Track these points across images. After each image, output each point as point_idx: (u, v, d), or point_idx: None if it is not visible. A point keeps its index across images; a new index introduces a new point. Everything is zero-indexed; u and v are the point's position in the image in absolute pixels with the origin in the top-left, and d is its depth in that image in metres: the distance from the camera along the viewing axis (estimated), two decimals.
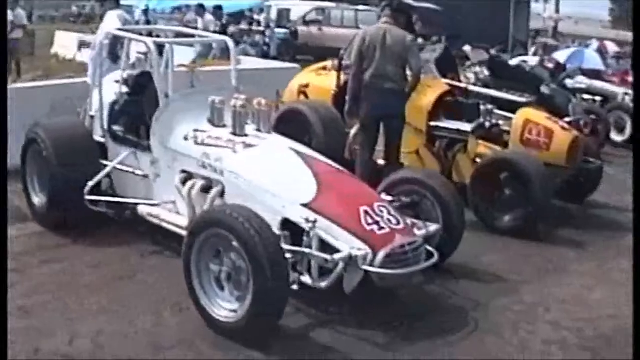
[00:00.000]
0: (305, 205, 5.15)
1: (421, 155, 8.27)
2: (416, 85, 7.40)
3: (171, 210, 6.10)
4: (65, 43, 21.21)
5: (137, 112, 6.78)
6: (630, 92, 13.13)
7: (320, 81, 9.26)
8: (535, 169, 7.08)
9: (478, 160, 7.82)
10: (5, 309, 4.31)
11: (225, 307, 4.85)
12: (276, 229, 5.06)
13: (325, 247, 4.96)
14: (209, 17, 16.31)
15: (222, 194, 5.66)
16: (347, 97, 7.39)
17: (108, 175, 6.67)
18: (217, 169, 5.70)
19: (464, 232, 5.99)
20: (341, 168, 5.75)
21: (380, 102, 7.16)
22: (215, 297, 4.91)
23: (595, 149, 8.73)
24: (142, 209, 6.28)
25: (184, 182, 5.91)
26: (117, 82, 7.08)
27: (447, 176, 7.94)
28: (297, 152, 5.72)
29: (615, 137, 12.56)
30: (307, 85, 9.28)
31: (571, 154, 7.67)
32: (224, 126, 6.07)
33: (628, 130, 12.47)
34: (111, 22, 8.58)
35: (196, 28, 17.00)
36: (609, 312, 5.65)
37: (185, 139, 6.01)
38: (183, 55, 14.36)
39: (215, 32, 16.25)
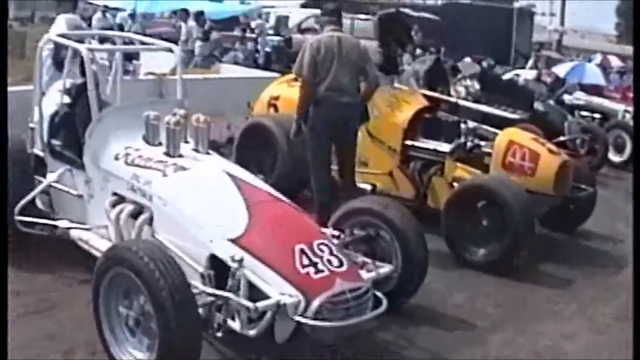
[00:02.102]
0: (232, 241, 4.45)
1: (394, 177, 7.55)
2: (371, 95, 6.80)
3: (103, 236, 5.42)
4: None
5: (77, 125, 6.09)
6: (631, 109, 12.38)
7: (291, 93, 8.46)
8: (515, 198, 6.31)
9: (456, 184, 7.07)
10: (5, 309, 3.93)
11: (135, 356, 4.29)
12: (202, 267, 4.46)
13: (255, 290, 4.27)
14: (191, 22, 15.71)
15: (151, 221, 4.99)
16: (295, 115, 6.63)
17: (47, 194, 6.06)
18: (145, 193, 5.03)
19: (426, 272, 5.25)
20: (281, 197, 5.01)
21: (336, 117, 6.44)
22: (126, 343, 4.33)
23: (588, 173, 7.94)
24: (74, 233, 5.64)
25: (114, 206, 5.26)
26: (60, 91, 6.41)
27: (421, 201, 7.28)
28: (232, 177, 4.99)
29: (614, 157, 11.74)
30: (277, 98, 8.57)
31: (559, 180, 6.92)
32: (160, 144, 5.40)
33: (627, 150, 11.65)
34: (58, 26, 7.89)
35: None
36: None
37: (117, 158, 5.37)
38: (164, 62, 13.82)
39: (197, 38, 15.74)
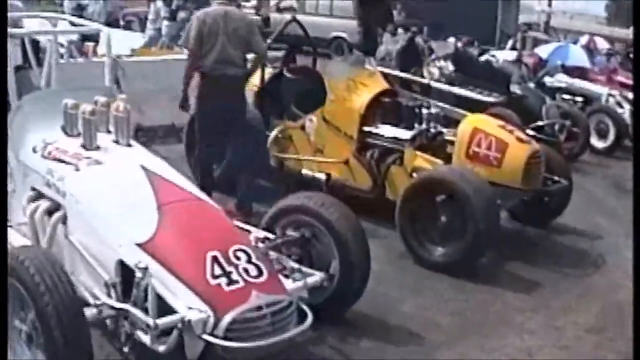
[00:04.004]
0: (140, 246, 3.90)
1: (351, 166, 6.89)
2: (258, 66, 6.97)
3: (25, 234, 4.85)
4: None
5: None
6: (615, 92, 11.69)
7: None
8: (477, 192, 5.63)
9: (416, 175, 6.41)
10: (5, 310, 3.62)
11: None
12: (109, 274, 3.94)
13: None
14: (159, 2, 15.05)
15: (65, 220, 4.43)
16: (182, 86, 6.65)
17: None
18: (59, 190, 4.49)
19: (367, 279, 4.62)
20: (201, 196, 4.40)
21: (223, 89, 6.46)
22: (23, 357, 3.86)
23: (563, 163, 7.27)
24: None
25: (33, 202, 4.70)
26: None
27: (379, 192, 6.66)
28: (148, 173, 4.41)
29: (596, 143, 10.99)
30: None
31: (528, 172, 6.26)
32: (79, 136, 4.83)
33: (611, 135, 10.95)
34: None
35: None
36: None
37: (34, 150, 4.82)
38: (133, 42, 13.16)
39: (164, 17, 15.08)
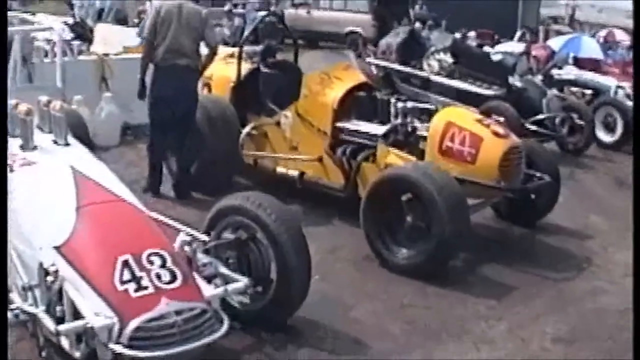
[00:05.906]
0: (57, 249, 3.77)
1: (324, 163, 6.60)
2: (212, 59, 6.87)
3: None
4: None
5: None
6: (625, 84, 11.21)
7: (223, 71, 7.64)
8: (442, 192, 5.27)
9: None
10: (5, 310, 3.55)
11: None
12: (31, 276, 3.80)
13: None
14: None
15: None
16: (139, 75, 6.69)
17: None
18: None
19: (307, 287, 4.35)
20: (126, 197, 4.22)
21: (174, 80, 6.53)
22: None
23: (551, 158, 6.93)
24: None
25: None
26: None
27: (351, 190, 6.36)
28: (76, 174, 4.25)
29: (603, 137, 10.53)
30: (211, 77, 7.64)
31: (505, 168, 5.91)
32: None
33: (619, 129, 10.45)
34: None
35: None
36: None
37: None
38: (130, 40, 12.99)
39: None
